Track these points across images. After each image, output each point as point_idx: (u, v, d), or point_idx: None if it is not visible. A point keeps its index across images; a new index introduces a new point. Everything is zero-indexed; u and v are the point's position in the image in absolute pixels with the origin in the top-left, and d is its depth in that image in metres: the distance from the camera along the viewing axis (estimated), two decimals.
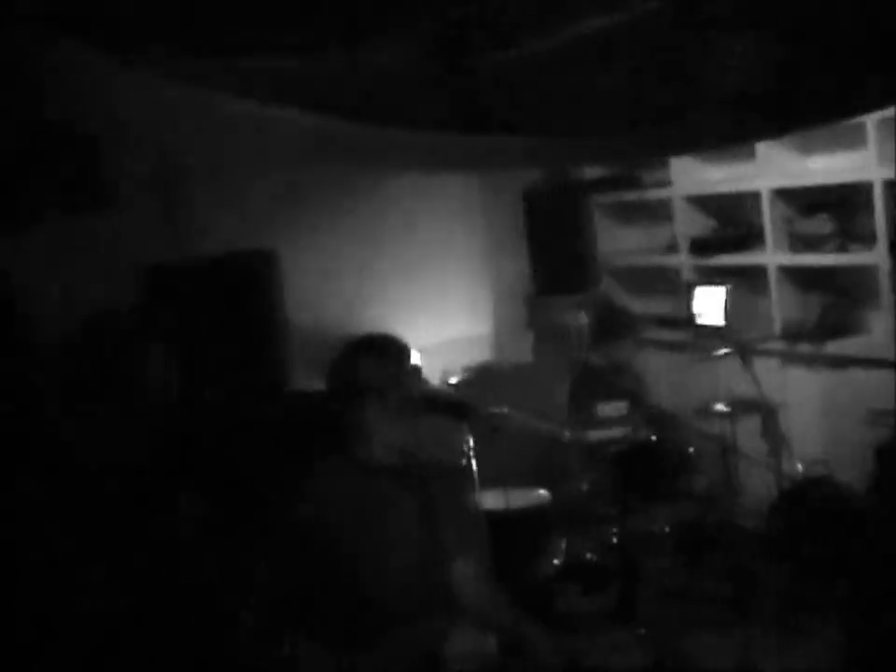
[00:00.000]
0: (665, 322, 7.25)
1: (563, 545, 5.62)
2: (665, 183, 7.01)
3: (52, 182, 4.90)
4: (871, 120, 5.60)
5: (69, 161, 4.93)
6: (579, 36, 3.07)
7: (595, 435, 5.90)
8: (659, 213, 7.21)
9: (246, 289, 6.06)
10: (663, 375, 7.18)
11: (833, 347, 6.13)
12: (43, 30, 2.72)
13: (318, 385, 6.09)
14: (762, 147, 6.21)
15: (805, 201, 6.31)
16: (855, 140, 5.81)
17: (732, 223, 6.87)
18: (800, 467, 5.87)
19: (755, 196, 6.39)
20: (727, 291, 6.59)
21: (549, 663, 3.42)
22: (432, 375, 6.43)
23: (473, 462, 4.70)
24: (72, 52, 2.80)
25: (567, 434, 5.99)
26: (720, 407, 5.68)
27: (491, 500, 5.40)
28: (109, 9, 2.65)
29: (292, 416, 5.83)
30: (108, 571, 4.15)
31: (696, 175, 6.90)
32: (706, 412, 5.82)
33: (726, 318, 6.57)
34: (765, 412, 5.66)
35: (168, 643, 4.06)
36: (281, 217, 6.27)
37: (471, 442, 4.72)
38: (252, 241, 6.12)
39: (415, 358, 6.06)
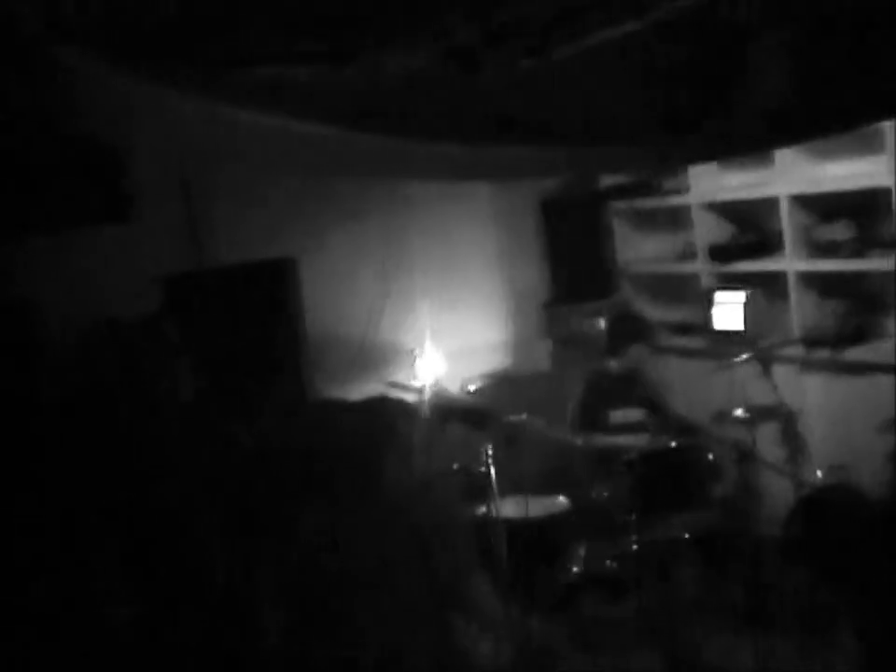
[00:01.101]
0: (683, 329, 7.25)
1: (581, 553, 5.63)
2: (683, 190, 7.01)
3: (75, 193, 4.95)
4: (888, 126, 5.59)
5: (91, 173, 4.99)
6: (602, 43, 3.08)
7: (605, 441, 5.90)
8: (677, 220, 7.21)
9: (266, 298, 6.11)
10: (681, 382, 7.18)
11: (852, 353, 6.12)
12: (65, 43, 2.75)
13: (338, 392, 6.19)
14: (779, 154, 6.21)
15: (824, 207, 6.30)
16: (872, 146, 5.80)
17: (750, 229, 6.86)
18: (818, 473, 5.86)
19: (773, 202, 6.39)
20: (745, 297, 6.59)
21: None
22: (451, 383, 6.45)
23: (492, 470, 4.71)
24: (93, 65, 2.82)
25: (579, 441, 6.00)
26: (738, 413, 5.67)
27: (510, 508, 5.41)
28: (126, 22, 2.68)
29: (321, 427, 5.86)
30: (131, 576, 4.19)
31: (714, 182, 6.89)
32: (724, 418, 5.81)
33: (745, 325, 6.57)
34: (784, 418, 5.65)
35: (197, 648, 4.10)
36: (300, 226, 6.31)
37: (490, 450, 4.73)
38: (271, 250, 6.16)
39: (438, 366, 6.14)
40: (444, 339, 6.49)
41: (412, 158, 3.94)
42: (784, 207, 6.32)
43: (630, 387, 6.19)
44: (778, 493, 5.92)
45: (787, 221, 6.34)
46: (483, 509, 5.49)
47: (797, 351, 6.34)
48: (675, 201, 7.09)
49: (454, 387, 6.39)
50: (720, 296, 6.80)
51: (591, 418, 6.11)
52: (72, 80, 2.88)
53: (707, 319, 6.84)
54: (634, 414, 6.11)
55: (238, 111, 3.13)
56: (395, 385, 5.92)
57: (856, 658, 4.78)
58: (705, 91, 3.51)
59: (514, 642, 5.02)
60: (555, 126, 3.55)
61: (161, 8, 2.67)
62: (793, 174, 6.30)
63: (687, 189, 6.97)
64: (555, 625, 5.43)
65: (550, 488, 6.07)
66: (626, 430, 6.00)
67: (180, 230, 5.93)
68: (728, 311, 6.72)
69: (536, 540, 5.58)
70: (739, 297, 6.65)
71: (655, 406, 6.28)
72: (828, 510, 5.66)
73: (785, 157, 6.24)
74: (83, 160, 4.87)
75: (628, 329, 6.29)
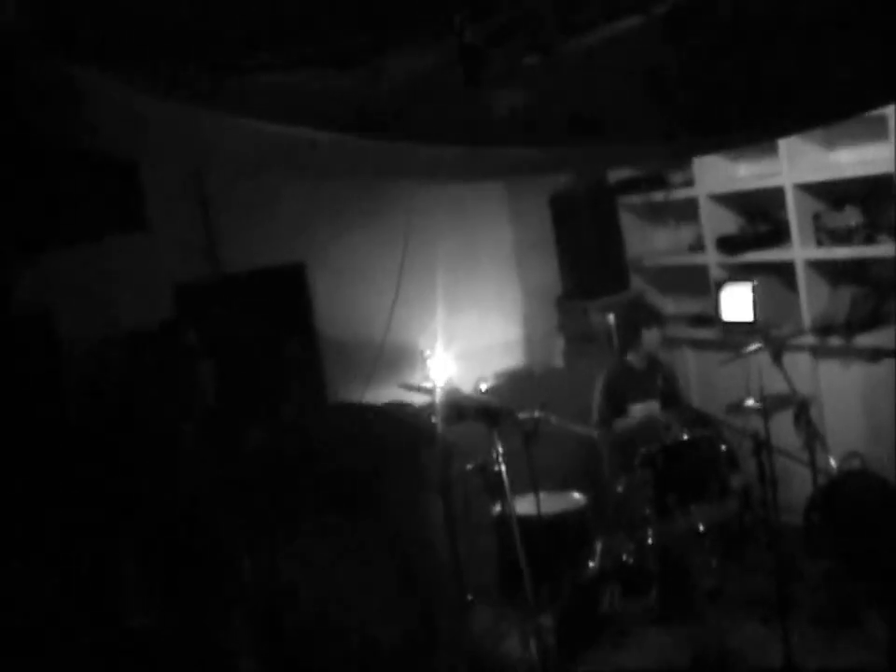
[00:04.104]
0: (696, 321, 7.25)
1: (599, 548, 5.64)
2: (691, 182, 7.01)
3: (91, 204, 5.00)
4: (892, 112, 5.59)
5: (107, 185, 5.03)
6: (608, 38, 3.09)
7: (623, 423, 5.93)
8: (686, 212, 7.21)
9: (282, 303, 6.14)
10: (694, 374, 7.20)
11: (864, 339, 6.11)
12: (76, 61, 2.78)
13: (359, 394, 6.21)
14: (785, 143, 6.21)
15: (832, 194, 6.30)
16: (877, 132, 5.80)
17: (759, 219, 6.87)
18: (833, 461, 5.86)
19: (780, 192, 6.39)
20: (755, 287, 6.60)
21: None
22: (465, 382, 6.46)
23: (503, 468, 4.72)
24: (104, 81, 2.85)
25: (600, 434, 6.02)
26: (752, 403, 5.67)
27: (527, 505, 5.42)
28: (126, 36, 2.70)
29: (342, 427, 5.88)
30: (150, 586, 4.21)
31: (721, 173, 6.90)
32: (738, 408, 5.82)
33: (755, 314, 6.57)
34: (798, 406, 5.65)
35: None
36: (310, 230, 6.32)
37: (501, 448, 4.74)
38: (286, 255, 6.19)
39: (450, 365, 6.15)
40: (459, 338, 6.49)
41: (418, 161, 3.95)
42: (790, 196, 6.33)
43: (649, 380, 6.21)
44: (796, 481, 5.93)
45: (793, 210, 6.34)
46: (498, 507, 5.51)
47: (809, 338, 6.35)
48: (683, 193, 7.10)
49: (467, 387, 6.40)
50: (729, 287, 6.81)
51: (613, 413, 6.14)
52: (84, 96, 2.91)
53: (718, 311, 6.85)
54: (653, 407, 6.14)
55: (245, 120, 3.15)
56: (407, 386, 5.94)
57: (881, 644, 4.78)
58: (709, 84, 3.53)
59: (536, 639, 5.03)
60: (562, 125, 3.56)
61: (166, 17, 2.69)
62: (799, 162, 6.31)
63: (694, 182, 6.98)
64: (576, 621, 5.44)
65: (567, 484, 6.09)
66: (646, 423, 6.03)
67: (195, 238, 5.96)
68: (738, 301, 6.73)
69: (553, 537, 5.59)
70: (748, 287, 6.65)
71: (672, 398, 6.30)
72: (848, 496, 5.66)
73: (790, 146, 6.25)
74: (97, 172, 4.92)
75: (638, 318, 6.33)
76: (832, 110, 3.89)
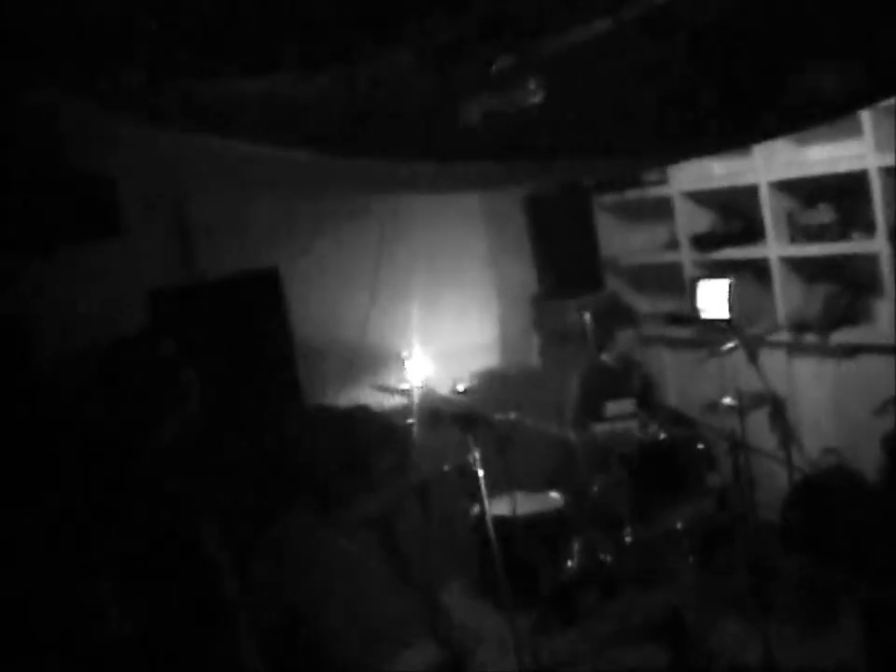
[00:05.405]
0: (672, 319, 7.26)
1: (577, 547, 5.64)
2: (665, 181, 7.02)
3: (66, 211, 4.98)
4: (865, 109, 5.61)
5: (83, 192, 5.02)
6: (577, 43, 3.09)
7: (602, 428, 5.92)
8: (660, 210, 7.22)
9: (256, 308, 6.12)
10: (670, 372, 7.21)
11: (839, 336, 6.14)
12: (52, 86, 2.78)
13: (334, 397, 6.20)
14: None
15: (806, 191, 6.32)
16: (851, 129, 5.81)
17: (734, 217, 6.88)
18: (809, 458, 5.88)
19: (754, 189, 6.41)
20: (730, 285, 6.61)
21: None
22: (442, 383, 6.46)
23: (480, 471, 4.71)
24: (78, 103, 2.85)
25: (575, 435, 6.01)
26: (728, 401, 5.67)
27: (503, 506, 5.43)
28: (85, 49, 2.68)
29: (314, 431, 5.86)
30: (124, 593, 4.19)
31: (695, 171, 6.91)
32: (714, 407, 5.81)
33: (731, 312, 6.58)
34: (774, 404, 5.66)
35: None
36: (284, 233, 6.30)
37: (477, 451, 4.73)
38: (260, 260, 6.17)
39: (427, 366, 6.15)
40: (435, 339, 6.49)
41: (388, 176, 3.93)
42: (764, 193, 6.34)
43: (624, 379, 6.23)
44: (773, 479, 5.94)
45: (767, 207, 6.36)
46: (475, 509, 5.51)
47: (784, 336, 6.37)
48: (657, 192, 7.11)
49: (443, 388, 6.39)
50: (704, 285, 6.82)
51: (587, 412, 6.14)
52: (59, 116, 2.91)
53: (694, 309, 6.86)
54: (628, 406, 6.14)
55: (218, 138, 3.14)
56: (383, 388, 5.93)
57: (858, 640, 4.80)
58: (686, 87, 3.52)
59: (514, 639, 5.04)
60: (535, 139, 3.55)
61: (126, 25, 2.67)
62: (773, 160, 6.32)
63: (668, 180, 6.99)
64: (554, 622, 5.44)
65: (544, 484, 6.09)
66: (619, 422, 6.02)
67: (171, 244, 5.94)
68: (713, 299, 6.73)
69: (531, 537, 5.60)
70: (723, 285, 6.66)
71: (647, 398, 6.30)
72: (825, 493, 5.68)
73: (764, 144, 6.25)
74: (72, 179, 4.90)
75: (613, 318, 6.34)
76: (808, 115, 3.90)
